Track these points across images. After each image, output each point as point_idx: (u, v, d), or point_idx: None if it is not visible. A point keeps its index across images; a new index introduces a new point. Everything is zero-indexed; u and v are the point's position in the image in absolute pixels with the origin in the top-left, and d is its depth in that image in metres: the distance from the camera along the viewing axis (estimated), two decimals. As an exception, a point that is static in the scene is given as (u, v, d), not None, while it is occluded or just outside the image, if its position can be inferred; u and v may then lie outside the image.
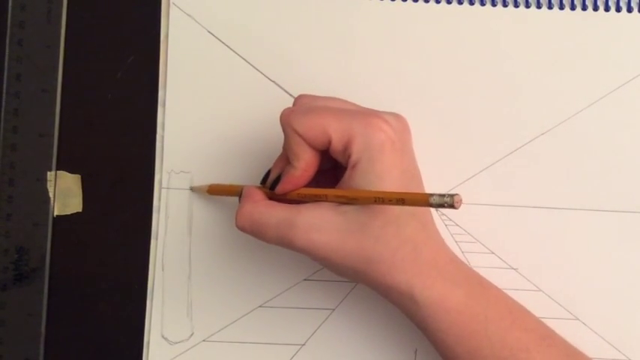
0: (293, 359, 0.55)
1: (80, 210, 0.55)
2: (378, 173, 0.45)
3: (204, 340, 0.55)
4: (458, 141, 0.55)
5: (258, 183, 0.51)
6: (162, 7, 0.56)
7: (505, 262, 0.54)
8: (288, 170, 0.47)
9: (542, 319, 0.48)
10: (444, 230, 0.54)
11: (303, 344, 0.55)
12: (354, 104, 0.49)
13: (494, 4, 0.55)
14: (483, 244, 0.54)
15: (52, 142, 0.55)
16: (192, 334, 0.55)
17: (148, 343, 0.55)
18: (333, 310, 0.55)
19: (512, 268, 0.54)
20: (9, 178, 0.55)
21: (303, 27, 0.55)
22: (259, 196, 0.49)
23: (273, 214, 0.47)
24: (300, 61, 0.55)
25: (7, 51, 0.55)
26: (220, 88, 0.55)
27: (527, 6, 0.55)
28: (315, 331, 0.55)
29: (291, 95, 0.55)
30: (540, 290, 0.54)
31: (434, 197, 0.40)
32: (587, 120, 0.55)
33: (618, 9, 0.55)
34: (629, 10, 0.55)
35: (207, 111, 0.55)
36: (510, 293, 0.48)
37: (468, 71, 0.55)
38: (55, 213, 0.55)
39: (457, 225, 0.54)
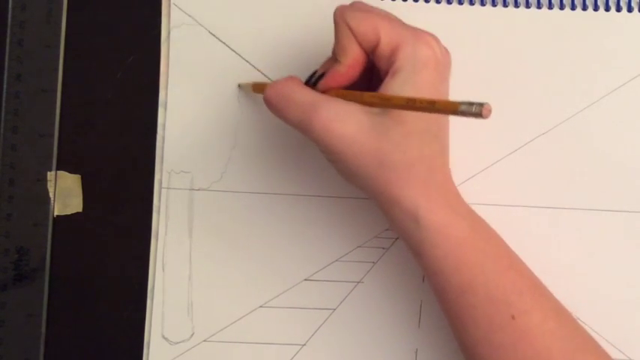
0: (293, 359, 0.55)
1: (80, 210, 0.55)
2: (416, 85, 0.46)
3: (204, 340, 0.55)
4: (457, 141, 0.55)
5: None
6: (163, 7, 0.56)
7: (505, 262, 0.54)
8: (333, 66, 0.48)
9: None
10: (444, 230, 0.54)
11: (304, 344, 0.55)
12: None
13: (494, 4, 0.55)
14: (483, 244, 0.54)
15: (52, 142, 0.55)
16: (192, 334, 0.55)
17: (149, 343, 0.55)
18: (334, 310, 0.55)
19: (513, 268, 0.54)
20: (9, 178, 0.55)
21: (303, 27, 0.55)
22: (297, 79, 0.49)
23: (304, 93, 0.47)
24: (300, 61, 0.55)
25: (7, 51, 0.55)
26: (220, 89, 0.55)
27: (528, 6, 0.55)
28: (315, 331, 0.55)
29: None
30: (540, 290, 0.54)
31: (463, 105, 0.40)
32: (587, 120, 0.55)
33: (618, 9, 0.55)
34: (629, 10, 0.55)
35: (207, 111, 0.55)
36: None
37: (467, 71, 0.55)
38: (55, 213, 0.55)
39: (457, 225, 0.54)
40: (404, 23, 0.48)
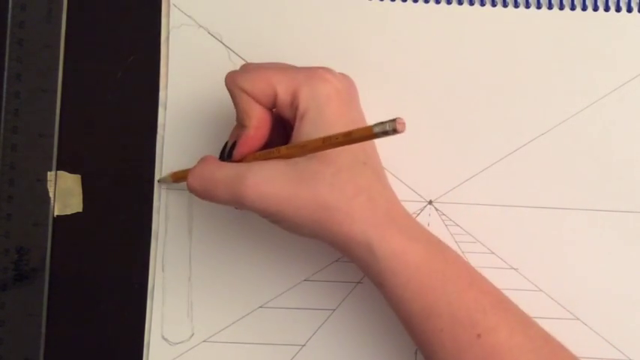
0: None
1: (80, 210, 0.55)
2: (326, 121, 0.45)
3: (204, 341, 0.55)
4: (458, 141, 0.55)
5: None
6: (163, 7, 0.56)
7: (505, 262, 0.54)
8: (241, 133, 0.48)
9: (543, 319, 0.48)
10: (444, 230, 0.54)
11: (304, 345, 0.55)
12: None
13: (494, 4, 0.55)
14: (483, 244, 0.54)
15: (52, 142, 0.55)
16: (192, 335, 0.55)
17: (149, 343, 0.55)
18: (334, 310, 0.55)
19: (513, 268, 0.54)
20: (9, 178, 0.55)
21: (303, 28, 0.55)
22: (212, 158, 0.49)
23: (224, 170, 0.47)
24: (300, 61, 0.55)
25: (7, 51, 0.55)
26: (220, 89, 0.55)
27: (527, 6, 0.55)
28: (315, 332, 0.55)
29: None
30: (540, 290, 0.54)
31: (376, 127, 0.40)
32: (587, 120, 0.55)
33: (618, 9, 0.55)
34: (629, 10, 0.55)
35: (207, 111, 0.55)
36: (510, 293, 0.48)
37: (467, 71, 0.55)
38: (55, 213, 0.55)
39: (457, 225, 0.54)
40: (295, 67, 0.48)
